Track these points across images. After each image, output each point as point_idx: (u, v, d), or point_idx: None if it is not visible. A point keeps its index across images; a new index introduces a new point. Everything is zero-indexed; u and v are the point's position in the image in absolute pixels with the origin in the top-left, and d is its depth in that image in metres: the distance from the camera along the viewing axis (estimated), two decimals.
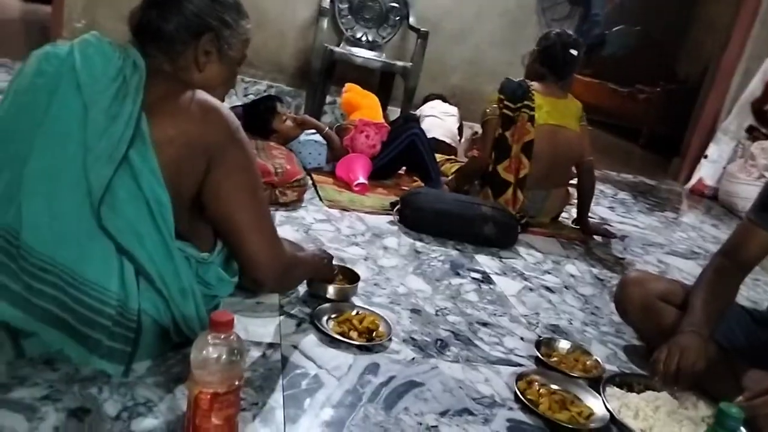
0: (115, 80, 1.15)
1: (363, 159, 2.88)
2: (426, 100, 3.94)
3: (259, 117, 2.88)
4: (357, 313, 1.57)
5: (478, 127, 3.21)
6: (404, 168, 3.12)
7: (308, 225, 2.23)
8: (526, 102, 2.61)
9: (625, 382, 1.51)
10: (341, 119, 3.68)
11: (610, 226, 3.03)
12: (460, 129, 3.80)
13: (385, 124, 3.11)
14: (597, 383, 1.48)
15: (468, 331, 1.68)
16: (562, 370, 1.52)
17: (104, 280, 1.09)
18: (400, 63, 3.77)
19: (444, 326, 1.67)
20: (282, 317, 1.52)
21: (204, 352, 0.97)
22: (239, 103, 3.14)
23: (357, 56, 3.72)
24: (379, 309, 1.65)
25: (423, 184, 2.91)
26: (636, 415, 1.37)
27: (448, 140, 3.57)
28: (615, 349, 1.76)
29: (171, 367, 1.22)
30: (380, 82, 4.07)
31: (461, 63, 4.28)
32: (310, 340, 1.45)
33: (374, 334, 1.50)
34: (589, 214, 2.84)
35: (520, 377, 1.44)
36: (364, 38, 3.94)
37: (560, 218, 2.89)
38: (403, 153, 2.94)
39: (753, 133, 4.24)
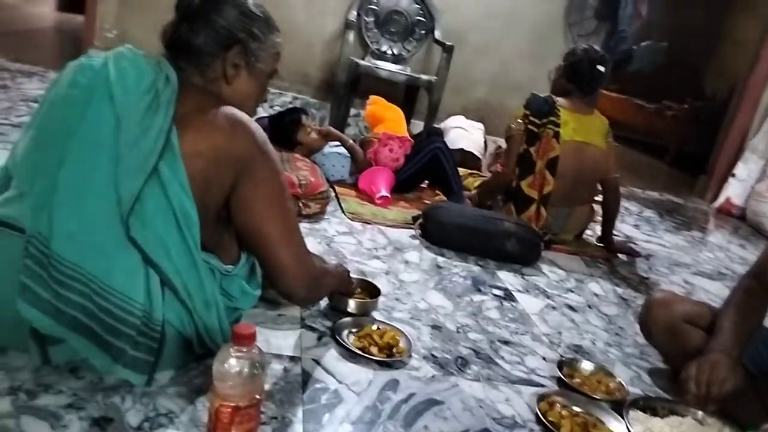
0: (148, 93, 1.17)
1: (386, 172, 2.89)
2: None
3: (284, 129, 2.91)
4: (378, 328, 1.56)
5: (502, 142, 3.20)
6: (427, 181, 3.12)
7: (330, 237, 2.23)
8: (551, 118, 2.59)
9: (649, 406, 1.47)
10: (365, 131, 3.69)
11: (635, 244, 2.99)
12: (484, 143, 3.80)
13: (409, 138, 3.12)
14: (620, 406, 1.45)
15: (489, 349, 1.66)
16: (584, 392, 1.50)
17: (130, 289, 1.10)
18: (424, 77, 3.77)
19: (465, 343, 1.66)
20: (303, 330, 1.52)
21: (226, 364, 0.98)
22: (265, 115, 3.17)
23: (382, 69, 3.74)
24: (399, 324, 1.64)
25: (445, 198, 2.91)
26: None
27: (475, 152, 3.58)
28: (639, 371, 1.73)
29: (193, 378, 1.22)
30: (405, 95, 4.08)
31: (486, 77, 4.28)
32: (330, 354, 1.44)
33: (394, 349, 1.49)
34: (614, 232, 2.80)
35: (541, 398, 1.42)
36: (389, 51, 3.97)
37: (584, 236, 2.86)
38: (426, 166, 2.95)
39: None
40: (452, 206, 2.59)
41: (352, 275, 1.74)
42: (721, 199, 4.36)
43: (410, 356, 1.50)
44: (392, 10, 3.93)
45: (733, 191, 4.29)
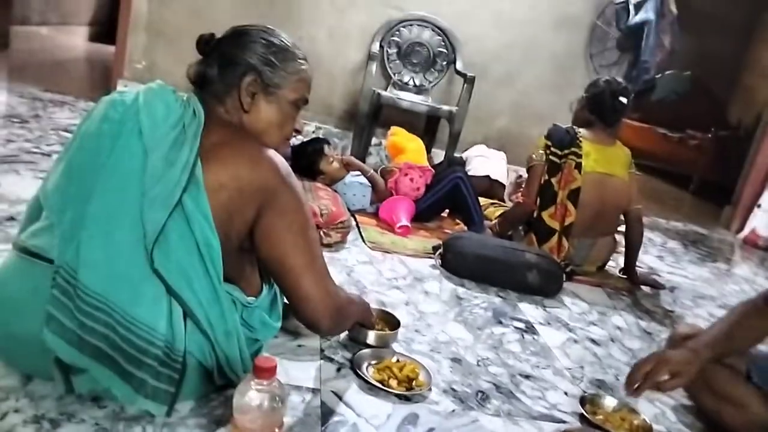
0: (175, 128, 1.20)
1: (406, 201, 2.90)
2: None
3: (306, 158, 2.95)
4: (397, 361, 1.56)
5: (523, 171, 3.20)
6: (447, 211, 3.13)
7: (351, 267, 2.24)
8: (573, 149, 2.59)
9: None
10: (386, 161, 3.72)
11: (659, 276, 2.95)
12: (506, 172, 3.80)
13: (430, 168, 3.14)
14: None
15: (510, 383, 1.64)
16: (607, 429, 1.47)
17: (153, 321, 1.11)
18: (446, 107, 3.80)
19: (485, 377, 1.64)
20: (322, 361, 1.52)
21: (246, 397, 0.98)
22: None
23: (403, 100, 3.78)
24: (419, 356, 1.64)
25: (466, 228, 2.91)
26: None
27: (501, 179, 3.59)
28: (663, 408, 1.70)
29: (213, 409, 1.23)
30: (426, 125, 4.11)
31: (507, 106, 4.30)
32: (349, 387, 1.44)
33: (414, 383, 1.48)
34: (637, 264, 2.77)
35: None
36: (411, 82, 4.01)
37: (607, 267, 2.83)
38: (447, 196, 2.96)
39: None
40: (473, 236, 2.59)
41: (371, 306, 1.75)
42: (746, 230, 4.29)
43: (430, 390, 1.49)
44: (414, 41, 3.99)
45: (759, 222, 4.23)
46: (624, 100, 2.65)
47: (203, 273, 1.17)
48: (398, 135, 3.40)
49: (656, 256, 3.39)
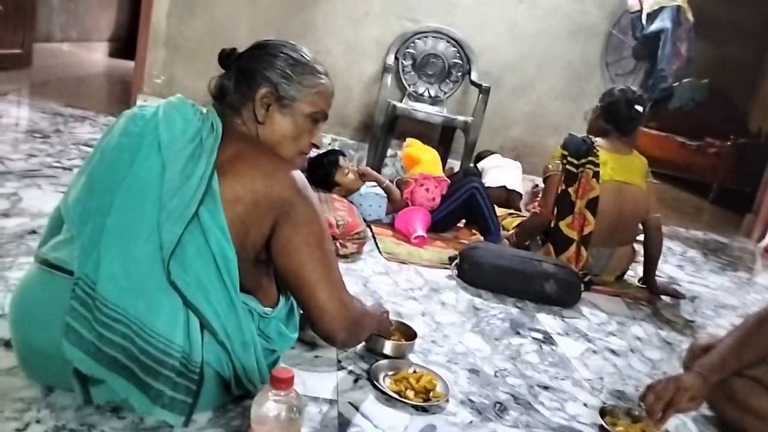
0: (193, 141, 1.22)
1: (422, 212, 2.90)
2: (479, 156, 3.95)
3: (322, 169, 2.97)
4: (414, 372, 1.55)
5: (539, 180, 3.19)
6: (464, 221, 3.12)
7: (367, 278, 2.25)
8: (590, 158, 2.58)
9: None
10: (402, 172, 3.73)
11: (679, 285, 2.92)
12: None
13: (445, 178, 3.14)
14: None
15: (528, 394, 1.63)
16: None
17: (170, 332, 1.12)
18: (461, 118, 3.81)
19: (503, 388, 1.63)
20: (339, 372, 1.52)
21: (264, 408, 0.99)
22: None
23: (419, 111, 3.79)
24: (436, 367, 1.63)
25: (482, 238, 2.90)
26: None
27: (519, 189, 3.59)
28: (684, 419, 1.67)
29: (231, 419, 1.23)
30: (441, 135, 4.12)
31: (522, 116, 4.29)
32: (366, 398, 1.44)
33: (431, 394, 1.48)
34: (657, 273, 2.74)
35: None
36: (426, 93, 4.02)
37: (626, 277, 2.81)
38: (463, 206, 2.95)
39: None
40: (489, 246, 2.58)
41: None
42: None
43: (447, 401, 1.49)
44: (429, 53, 4.00)
45: None
46: (639, 108, 2.64)
47: (220, 285, 1.18)
48: (413, 146, 3.41)
49: (676, 266, 3.36)
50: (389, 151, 4.06)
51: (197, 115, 1.28)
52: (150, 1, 3.96)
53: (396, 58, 3.97)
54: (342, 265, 2.27)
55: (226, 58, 1.34)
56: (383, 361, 1.58)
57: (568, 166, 2.60)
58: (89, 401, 1.15)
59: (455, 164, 3.93)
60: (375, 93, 3.90)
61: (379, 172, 3.48)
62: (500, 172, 3.63)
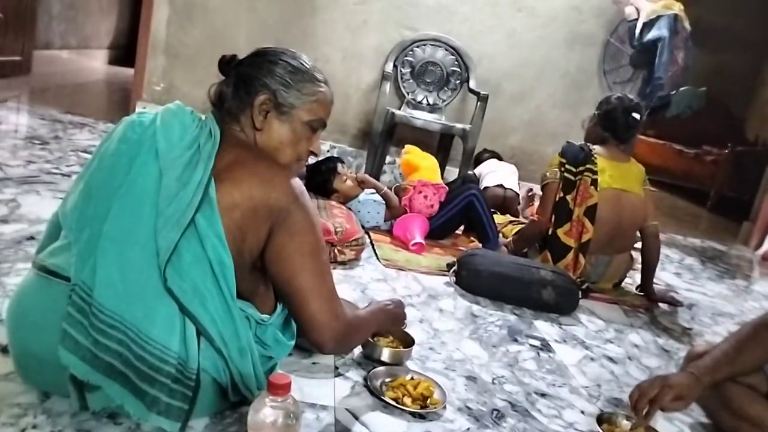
0: (190, 148, 1.22)
1: (420, 219, 2.91)
2: (478, 157, 3.97)
3: (320, 176, 2.97)
4: (411, 378, 1.55)
5: (533, 185, 3.20)
6: (462, 228, 3.13)
7: (365, 284, 2.25)
8: (588, 165, 2.59)
9: None
10: (400, 179, 3.74)
11: (677, 293, 2.92)
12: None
13: (444, 185, 3.14)
14: None
15: (526, 401, 1.63)
16: None
17: (166, 339, 1.12)
18: (459, 125, 3.82)
19: (500, 395, 1.63)
20: (336, 379, 1.52)
21: (261, 414, 0.99)
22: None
23: (417, 118, 3.80)
24: (433, 374, 1.63)
25: (480, 245, 2.90)
26: None
27: (516, 189, 3.63)
28: (682, 426, 1.67)
29: (228, 426, 1.23)
30: (439, 143, 4.13)
31: (521, 124, 4.31)
32: (363, 404, 1.44)
33: (428, 401, 1.47)
34: (654, 281, 2.74)
35: None
36: (424, 101, 4.04)
37: (623, 284, 2.81)
38: (461, 213, 2.96)
39: None
40: (487, 254, 2.59)
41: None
42: (765, 246, 4.24)
43: (444, 408, 1.49)
44: (428, 61, 4.02)
45: None
46: (637, 116, 2.65)
47: (216, 291, 1.18)
48: (412, 153, 3.42)
49: (674, 273, 3.36)
50: (388, 159, 4.07)
51: (195, 122, 1.28)
52: (150, 9, 3.98)
53: (395, 66, 3.98)
54: (340, 272, 2.29)
55: (226, 64, 1.35)
56: (380, 368, 1.58)
57: (566, 174, 2.61)
58: (85, 407, 1.15)
59: (454, 171, 3.94)
60: (374, 101, 3.92)
61: (378, 179, 3.48)
62: (497, 174, 3.65)
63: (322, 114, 1.37)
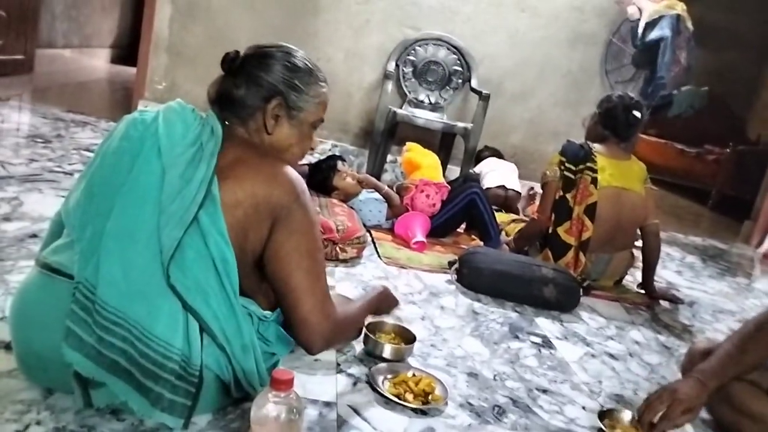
0: (193, 146, 1.23)
1: (422, 217, 2.91)
2: (478, 155, 3.98)
3: (321, 173, 2.98)
4: (413, 375, 1.56)
5: (534, 184, 3.21)
6: (463, 226, 3.13)
7: (366, 282, 2.25)
8: (588, 164, 2.59)
9: None
10: (401, 177, 3.74)
11: (678, 291, 2.92)
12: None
13: (446, 184, 3.15)
14: None
15: (527, 397, 1.64)
16: None
17: (170, 336, 1.12)
18: (461, 124, 3.83)
19: (502, 392, 1.64)
20: (339, 375, 1.53)
21: (264, 409, 0.99)
22: (305, 162, 3.25)
23: (419, 117, 3.81)
24: (435, 371, 1.64)
25: (482, 243, 2.91)
26: None
27: (517, 188, 3.64)
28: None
29: (230, 422, 1.24)
30: (441, 141, 4.14)
31: (522, 123, 4.31)
32: (365, 401, 1.45)
33: (430, 397, 1.48)
34: (655, 278, 2.75)
35: None
36: (426, 100, 4.04)
37: (624, 282, 2.82)
38: (463, 211, 2.97)
39: None
40: (489, 251, 2.59)
41: (387, 320, 1.78)
42: (766, 245, 4.24)
43: (446, 404, 1.49)
44: (430, 60, 4.03)
45: None
46: (637, 114, 2.65)
47: (219, 288, 1.19)
48: (413, 151, 3.43)
49: (675, 271, 3.36)
50: (389, 157, 4.08)
51: (197, 119, 1.29)
52: (152, 8, 3.99)
53: (397, 65, 3.99)
54: (342, 270, 2.30)
55: (231, 62, 1.34)
56: (382, 365, 1.59)
57: (566, 173, 2.61)
58: (89, 404, 1.15)
59: (455, 170, 3.95)
60: (376, 99, 3.92)
61: (379, 178, 3.49)
62: (498, 173, 3.66)
63: (323, 113, 1.41)
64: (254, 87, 1.31)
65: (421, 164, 3.32)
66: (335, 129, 4.16)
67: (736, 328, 1.55)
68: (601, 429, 1.52)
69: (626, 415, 1.59)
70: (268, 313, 1.32)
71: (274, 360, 1.35)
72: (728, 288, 3.26)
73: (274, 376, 1.00)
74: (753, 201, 4.67)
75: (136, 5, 7.11)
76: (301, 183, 1.29)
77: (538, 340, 2.05)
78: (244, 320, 1.23)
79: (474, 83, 3.99)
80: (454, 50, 4.04)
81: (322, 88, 1.38)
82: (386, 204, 3.01)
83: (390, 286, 2.23)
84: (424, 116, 3.85)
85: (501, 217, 3.19)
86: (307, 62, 1.37)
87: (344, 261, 2.39)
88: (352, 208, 2.85)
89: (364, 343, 1.66)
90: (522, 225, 3.09)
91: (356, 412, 1.39)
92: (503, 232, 3.02)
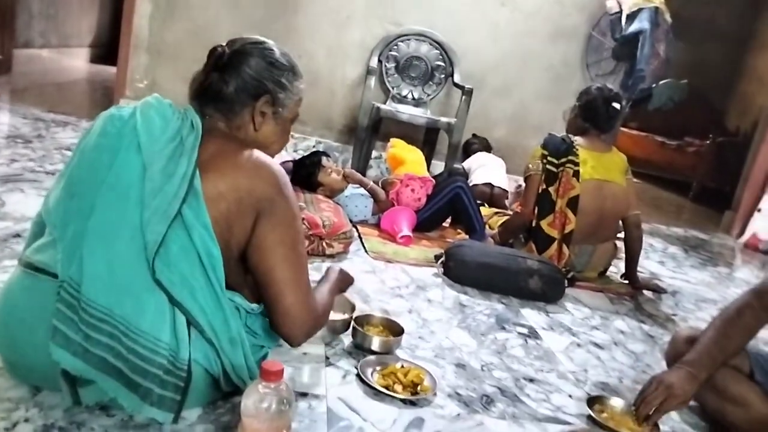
0: (173, 140, 1.23)
1: (407, 212, 2.92)
2: (467, 147, 4.00)
3: (305, 170, 2.97)
4: (402, 366, 1.57)
5: (521, 180, 3.23)
6: (449, 220, 3.15)
7: (353, 276, 2.25)
8: (570, 157, 2.62)
9: None
10: (386, 173, 3.75)
11: (661, 281, 2.96)
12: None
13: (431, 178, 3.16)
14: None
15: (514, 387, 1.65)
16: (614, 429, 1.48)
17: (157, 331, 1.12)
18: (444, 119, 3.84)
19: (490, 381, 1.66)
20: (328, 369, 1.53)
21: (254, 400, 1.00)
22: (289, 159, 3.25)
23: (402, 113, 3.82)
24: (423, 362, 1.65)
25: (467, 237, 2.93)
26: None
27: (504, 186, 3.66)
28: None
29: (220, 415, 1.24)
30: (425, 137, 4.15)
31: (505, 117, 4.33)
32: (355, 393, 1.45)
33: (419, 388, 1.49)
34: (639, 269, 2.78)
35: None
36: (409, 95, 4.05)
37: (608, 273, 2.85)
38: (448, 205, 2.98)
39: None
40: (474, 245, 2.61)
41: (375, 314, 1.81)
42: (747, 235, 4.31)
43: (435, 394, 1.50)
44: (412, 55, 4.04)
45: (759, 226, 4.24)
46: (617, 105, 2.68)
47: (205, 282, 1.19)
48: (397, 147, 3.44)
49: (658, 262, 3.41)
50: (374, 153, 4.08)
51: (176, 114, 1.28)
52: (131, 6, 3.95)
53: (379, 61, 3.99)
54: (329, 265, 2.29)
55: (218, 58, 1.31)
56: (371, 357, 1.60)
57: (548, 166, 2.63)
58: (78, 402, 1.14)
59: (440, 165, 3.97)
60: (359, 96, 3.92)
61: (364, 174, 3.50)
62: (486, 170, 3.68)
63: (299, 109, 1.42)
64: (243, 84, 1.31)
65: (406, 160, 3.33)
66: (319, 126, 4.16)
67: (715, 315, 1.58)
68: (590, 415, 1.54)
69: (614, 402, 1.62)
70: (255, 305, 1.32)
71: (263, 353, 1.36)
72: (710, 277, 3.31)
73: (263, 367, 1.00)
74: (733, 192, 4.74)
75: (114, 3, 7.04)
76: (284, 175, 1.29)
77: (524, 330, 2.07)
78: (231, 313, 1.23)
79: (457, 78, 4.01)
80: (436, 45, 4.05)
81: (301, 85, 1.39)
82: (372, 199, 3.01)
83: (377, 280, 2.25)
84: (407, 111, 3.86)
85: (484, 210, 3.21)
86: (290, 59, 1.38)
87: (331, 256, 2.39)
88: (337, 203, 2.85)
89: (353, 336, 1.67)
90: (505, 218, 3.11)
91: (346, 404, 1.40)
92: (487, 226, 3.04)
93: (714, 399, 1.58)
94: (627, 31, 4.08)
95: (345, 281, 1.68)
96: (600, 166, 2.65)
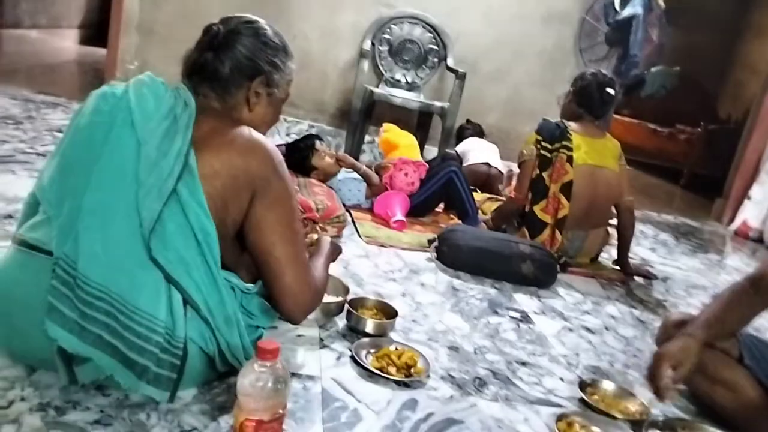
0: (167, 118, 1.22)
1: (401, 196, 2.92)
2: (460, 131, 3.99)
3: (299, 153, 2.96)
4: (396, 349, 1.58)
5: (513, 165, 3.24)
6: (442, 205, 3.15)
7: (347, 261, 2.26)
8: (564, 142, 2.62)
9: (669, 426, 1.47)
10: (380, 158, 3.74)
11: (652, 267, 2.99)
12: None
13: (424, 163, 3.16)
14: (639, 427, 1.45)
15: (507, 370, 1.67)
16: (605, 411, 1.49)
17: (153, 308, 1.12)
18: (437, 103, 3.83)
19: (482, 364, 1.67)
20: (322, 350, 1.54)
21: (250, 379, 1.00)
22: (282, 143, 3.23)
23: (396, 97, 3.80)
24: (416, 345, 1.66)
25: (460, 222, 2.93)
26: None
27: (500, 167, 3.66)
28: None
29: (216, 396, 1.24)
30: (418, 121, 4.14)
31: (498, 102, 4.33)
32: (349, 374, 1.46)
33: (412, 370, 1.50)
34: (630, 255, 2.80)
35: (560, 418, 1.42)
36: (402, 79, 4.04)
37: (600, 259, 2.86)
38: (441, 190, 2.98)
39: None
40: (467, 229, 2.61)
41: (369, 297, 1.82)
42: (737, 222, 4.34)
43: (428, 376, 1.51)
44: (405, 39, 4.02)
45: (750, 213, 4.27)
46: (611, 91, 2.68)
47: (201, 260, 1.19)
48: (391, 131, 3.42)
49: (649, 249, 3.43)
50: (367, 137, 4.07)
51: (169, 92, 1.27)
52: None
53: (372, 44, 3.97)
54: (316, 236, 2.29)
55: (213, 37, 1.31)
56: (365, 339, 1.60)
57: (542, 151, 2.63)
58: (74, 381, 1.14)
59: (433, 150, 3.96)
60: (352, 79, 3.90)
61: (357, 159, 3.49)
62: (480, 151, 3.68)
63: (289, 91, 1.42)
64: (238, 64, 1.31)
65: (399, 144, 3.32)
66: (311, 109, 4.14)
67: (708, 302, 1.59)
68: (581, 398, 1.56)
69: (605, 385, 1.63)
70: (250, 285, 1.32)
71: (258, 333, 1.35)
72: (700, 264, 3.34)
73: (259, 346, 1.00)
74: (724, 179, 4.76)
75: None
76: (278, 154, 1.30)
77: (516, 315, 2.09)
78: (226, 292, 1.23)
79: (450, 62, 3.99)
80: (430, 28, 4.03)
81: (293, 65, 1.40)
82: (365, 183, 3.01)
83: (371, 264, 2.26)
84: (401, 95, 3.84)
85: (476, 196, 3.22)
86: (282, 38, 1.39)
87: None
88: (331, 188, 2.85)
89: (347, 318, 1.68)
90: (498, 203, 3.12)
91: (340, 385, 1.40)
92: (480, 211, 3.05)
93: (703, 383, 1.60)
94: (620, 16, 4.08)
95: (335, 252, 1.68)
96: (593, 152, 2.66)
